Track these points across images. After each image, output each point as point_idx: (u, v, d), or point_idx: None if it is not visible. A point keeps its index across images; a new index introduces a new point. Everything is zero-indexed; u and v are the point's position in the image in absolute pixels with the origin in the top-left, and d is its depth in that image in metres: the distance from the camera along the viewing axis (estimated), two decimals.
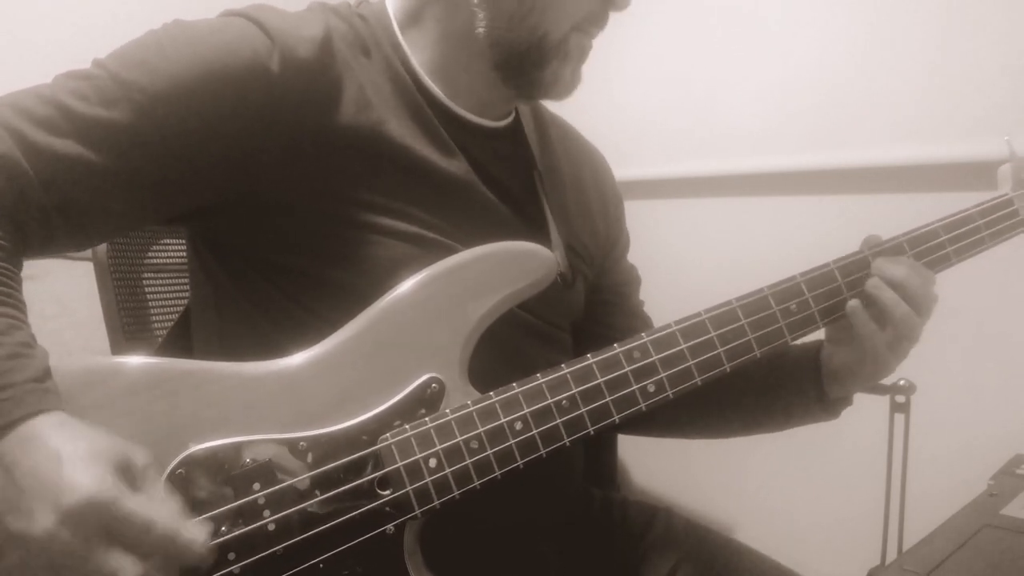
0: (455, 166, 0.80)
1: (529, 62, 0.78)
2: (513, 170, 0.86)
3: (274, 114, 0.71)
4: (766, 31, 1.65)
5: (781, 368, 0.87)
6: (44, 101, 0.66)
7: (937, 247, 0.81)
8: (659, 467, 1.94)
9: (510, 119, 0.88)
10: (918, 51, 1.41)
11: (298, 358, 0.68)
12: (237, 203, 0.73)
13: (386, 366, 0.69)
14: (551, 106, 0.96)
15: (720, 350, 0.74)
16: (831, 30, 1.54)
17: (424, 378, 0.69)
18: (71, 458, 0.53)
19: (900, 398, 1.19)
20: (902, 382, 1.18)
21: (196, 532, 0.55)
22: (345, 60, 0.75)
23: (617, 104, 1.89)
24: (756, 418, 0.92)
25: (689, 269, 1.81)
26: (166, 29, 0.72)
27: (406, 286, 0.71)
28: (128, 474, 0.55)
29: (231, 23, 0.73)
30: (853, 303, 0.77)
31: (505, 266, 0.73)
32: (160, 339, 1.08)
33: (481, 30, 0.77)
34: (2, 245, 0.63)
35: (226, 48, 0.70)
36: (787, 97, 1.61)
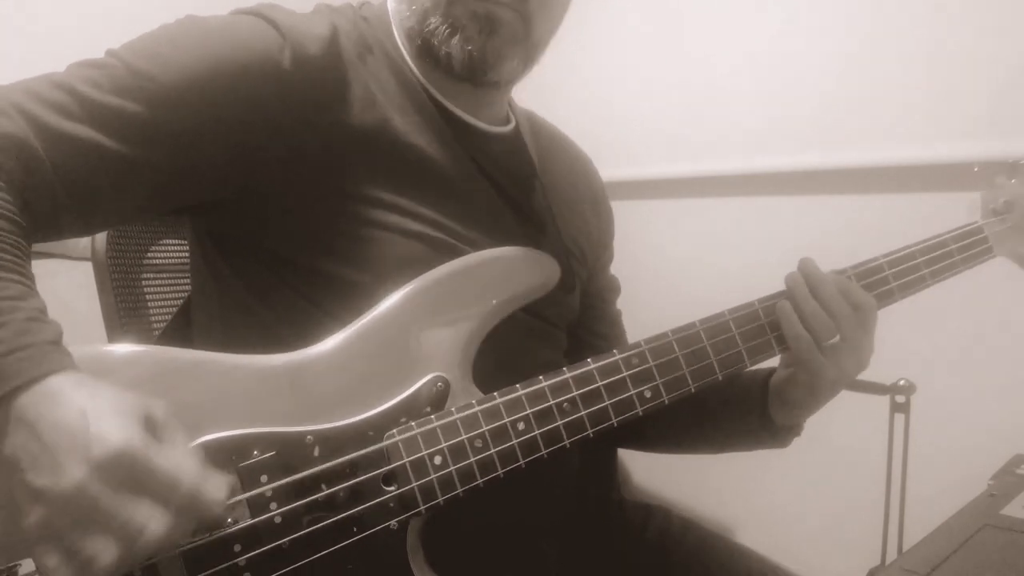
0: (459, 166, 0.80)
1: (425, 46, 0.78)
2: (513, 175, 0.87)
3: (284, 109, 0.71)
4: (764, 30, 1.65)
5: (730, 389, 0.87)
6: (57, 87, 0.66)
7: (912, 269, 0.85)
8: (658, 467, 1.94)
9: (511, 126, 0.89)
10: (917, 51, 1.42)
11: (306, 352, 0.68)
12: (244, 197, 0.73)
13: (393, 364, 0.69)
14: (545, 108, 0.97)
15: (713, 359, 0.77)
16: (830, 30, 1.55)
17: (430, 377, 0.69)
18: (97, 412, 0.52)
19: (900, 398, 1.19)
20: (902, 382, 1.18)
21: (218, 488, 0.55)
22: (351, 59, 0.76)
23: (616, 103, 1.89)
24: (702, 436, 0.93)
25: (687, 269, 1.81)
26: (179, 23, 0.73)
27: (414, 286, 0.71)
28: (152, 427, 0.54)
29: (243, 19, 0.73)
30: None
31: (512, 271, 0.75)
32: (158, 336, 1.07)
33: (409, 24, 0.79)
34: (17, 222, 0.63)
35: (238, 42, 0.70)
36: (785, 97, 1.62)
